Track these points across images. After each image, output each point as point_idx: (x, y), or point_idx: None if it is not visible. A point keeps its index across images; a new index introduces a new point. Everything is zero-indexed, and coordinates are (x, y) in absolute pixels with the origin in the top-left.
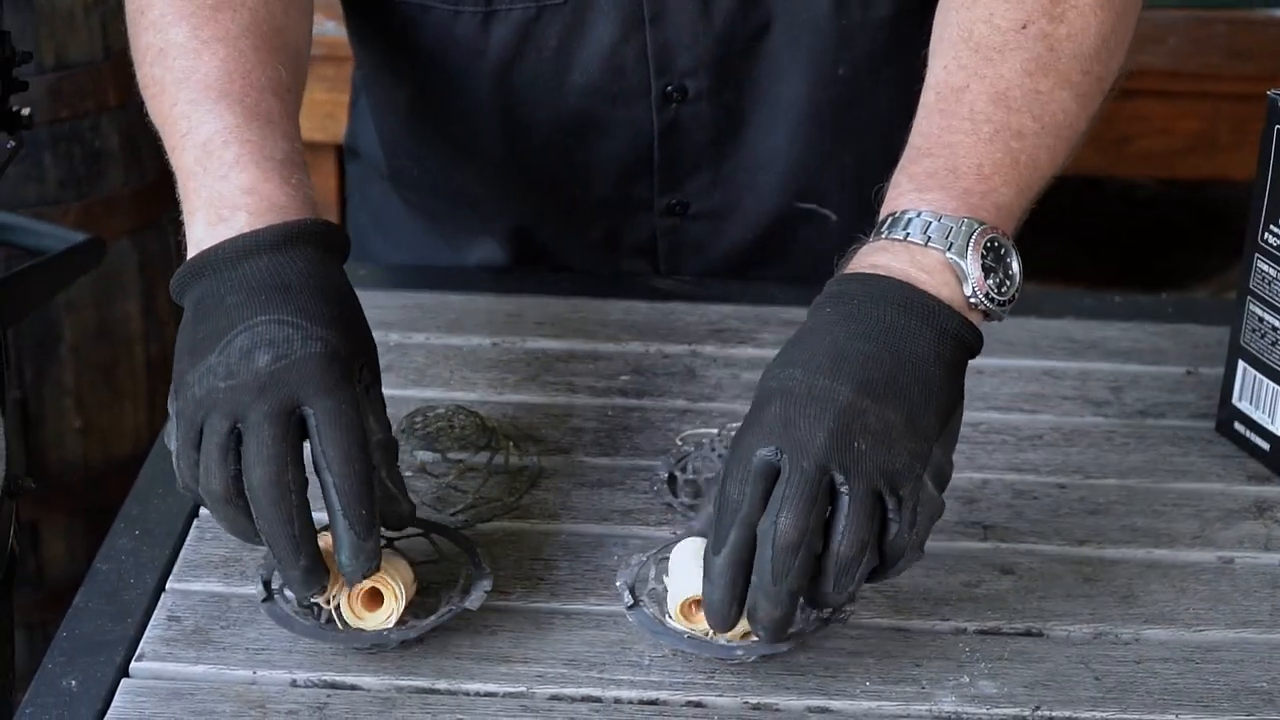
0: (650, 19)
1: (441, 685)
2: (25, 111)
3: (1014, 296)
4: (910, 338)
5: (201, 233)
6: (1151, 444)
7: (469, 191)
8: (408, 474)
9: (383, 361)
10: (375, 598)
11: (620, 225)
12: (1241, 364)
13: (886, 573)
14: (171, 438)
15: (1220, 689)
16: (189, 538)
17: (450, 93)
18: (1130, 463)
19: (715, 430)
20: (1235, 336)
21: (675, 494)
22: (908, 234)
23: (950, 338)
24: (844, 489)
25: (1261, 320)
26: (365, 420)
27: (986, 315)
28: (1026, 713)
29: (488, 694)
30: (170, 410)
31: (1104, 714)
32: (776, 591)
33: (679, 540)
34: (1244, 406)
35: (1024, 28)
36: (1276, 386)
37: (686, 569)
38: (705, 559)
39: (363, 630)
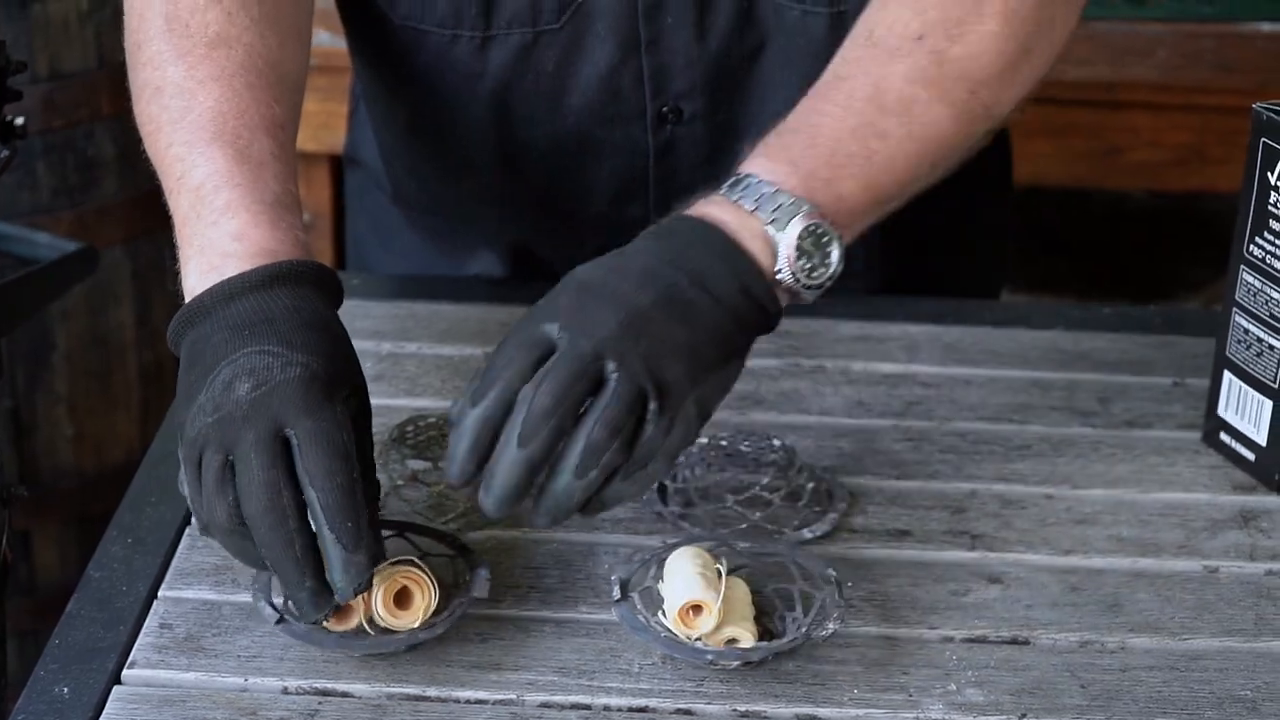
0: (646, 44)
1: (432, 692)
2: (19, 121)
3: (825, 284)
4: (716, 280)
5: (195, 281)
6: (1138, 454)
7: (466, 207)
8: (399, 483)
9: (374, 371)
10: (403, 597)
11: (616, 242)
12: (1227, 375)
13: (629, 476)
14: (183, 485)
15: (1205, 697)
16: (181, 546)
17: (448, 112)
18: (1117, 473)
19: (705, 439)
20: (1221, 348)
21: (665, 502)
22: (741, 198)
23: (752, 298)
24: (613, 377)
25: (1247, 332)
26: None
27: (795, 295)
28: None
29: (478, 701)
30: (180, 458)
31: None
32: (518, 456)
33: (676, 547)
34: (1230, 417)
35: (920, 39)
36: (1262, 397)
37: (684, 574)
38: (459, 412)
39: (392, 634)
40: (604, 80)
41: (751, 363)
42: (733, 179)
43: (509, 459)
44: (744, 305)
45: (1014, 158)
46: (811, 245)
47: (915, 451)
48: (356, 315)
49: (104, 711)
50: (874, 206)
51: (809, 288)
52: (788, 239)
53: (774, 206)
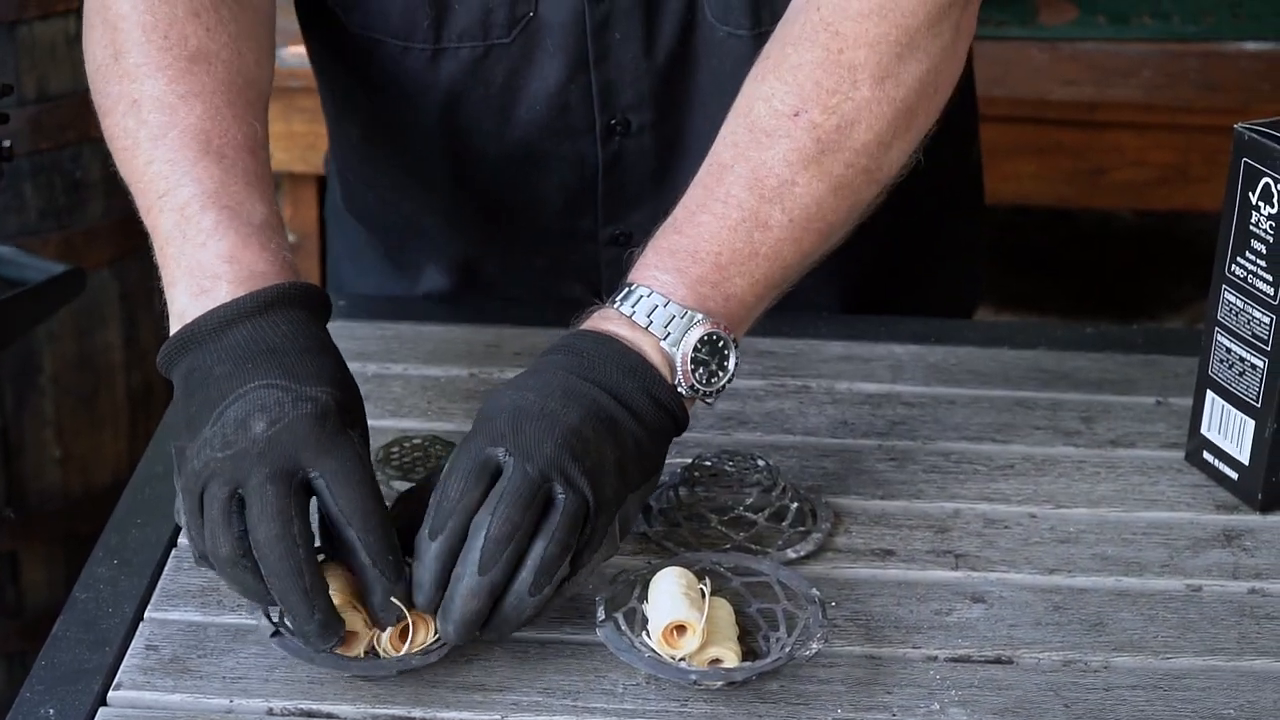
0: (595, 60)
1: (417, 713)
2: (6, 143)
3: (724, 387)
4: (630, 397)
5: (185, 304)
6: (1121, 473)
7: (418, 220)
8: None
9: (360, 391)
10: (406, 631)
11: (565, 255)
12: (1210, 394)
13: (561, 589)
14: (180, 514)
15: (1188, 716)
16: (167, 567)
17: (400, 123)
18: (1100, 492)
19: (689, 460)
20: (1203, 367)
21: (650, 523)
22: (634, 312)
23: (664, 409)
24: (560, 498)
25: (1229, 351)
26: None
27: (694, 402)
28: None
29: None
30: (176, 487)
31: None
32: (479, 583)
33: (660, 567)
34: (1212, 436)
35: (796, 115)
36: (1244, 416)
37: (668, 595)
38: (418, 542)
39: (380, 658)
40: (553, 94)
41: (737, 383)
42: (624, 290)
43: (470, 586)
44: (658, 418)
45: (999, 178)
46: (707, 354)
47: (899, 471)
48: (342, 336)
49: None
50: (766, 295)
51: (707, 394)
52: (683, 353)
53: (666, 321)
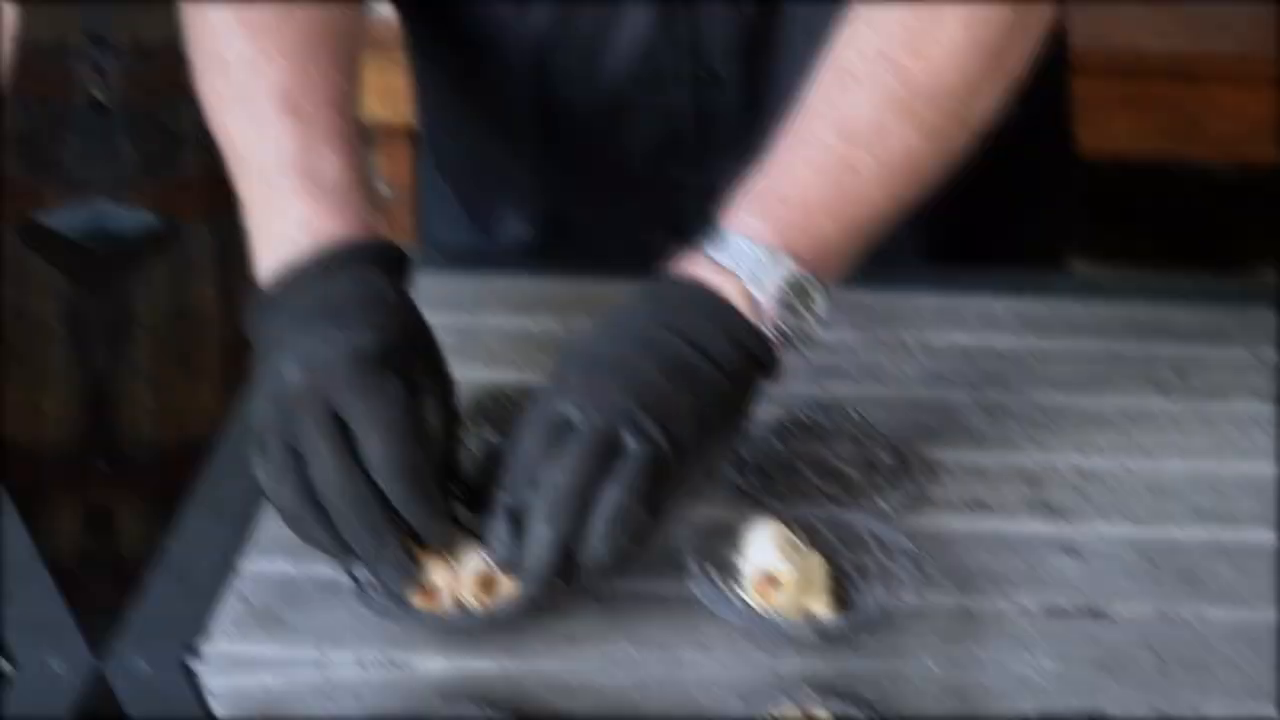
0: (683, 7)
1: (509, 664)
2: (101, 96)
3: (813, 331)
4: (710, 342)
5: (265, 270)
6: (1216, 426)
7: (504, 170)
8: (477, 455)
9: (451, 344)
10: (490, 582)
11: (652, 205)
12: None
13: (644, 540)
14: (257, 469)
15: None
16: (260, 519)
17: (488, 71)
18: (1194, 444)
19: (781, 411)
20: None
21: (743, 475)
22: (719, 256)
23: (747, 353)
24: (632, 446)
25: None
26: (414, 415)
27: (783, 347)
28: (1087, 692)
29: (554, 674)
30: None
31: (1165, 695)
32: (548, 536)
33: (752, 520)
34: None
35: (884, 58)
36: None
37: (760, 547)
38: (496, 501)
39: (465, 613)
40: (641, 44)
41: (829, 335)
42: (710, 234)
43: (538, 540)
44: (741, 364)
45: (1096, 132)
46: (795, 297)
47: (992, 424)
48: (433, 288)
49: (182, 684)
50: (855, 241)
51: (798, 338)
52: (768, 295)
53: (752, 262)
